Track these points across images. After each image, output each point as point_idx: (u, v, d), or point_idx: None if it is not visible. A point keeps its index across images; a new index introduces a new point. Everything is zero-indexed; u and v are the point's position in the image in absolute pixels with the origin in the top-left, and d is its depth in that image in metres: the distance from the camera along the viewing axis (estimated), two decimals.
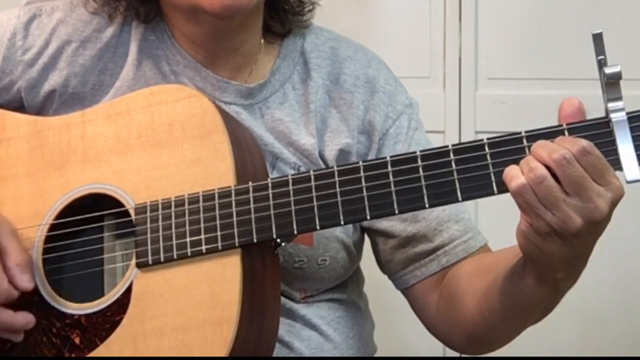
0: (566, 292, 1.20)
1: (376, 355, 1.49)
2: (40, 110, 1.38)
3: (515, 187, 1.05)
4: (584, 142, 1.05)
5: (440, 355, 2.10)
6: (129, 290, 1.20)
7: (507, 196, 1.12)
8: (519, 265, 1.18)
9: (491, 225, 2.01)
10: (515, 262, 1.19)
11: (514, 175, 1.06)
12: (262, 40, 1.41)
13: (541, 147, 1.06)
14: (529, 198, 1.05)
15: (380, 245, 1.41)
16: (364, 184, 1.14)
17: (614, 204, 1.06)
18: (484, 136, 1.12)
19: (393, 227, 1.38)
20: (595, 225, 1.06)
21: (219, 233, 1.17)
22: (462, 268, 1.35)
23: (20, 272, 1.21)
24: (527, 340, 2.12)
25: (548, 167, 1.04)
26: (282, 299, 1.29)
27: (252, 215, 1.17)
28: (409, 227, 1.37)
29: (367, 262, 1.46)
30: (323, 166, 1.36)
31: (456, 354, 2.10)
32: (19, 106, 1.39)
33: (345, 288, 1.43)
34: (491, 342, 1.34)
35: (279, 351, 1.28)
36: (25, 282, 1.21)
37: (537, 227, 1.07)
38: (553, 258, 1.10)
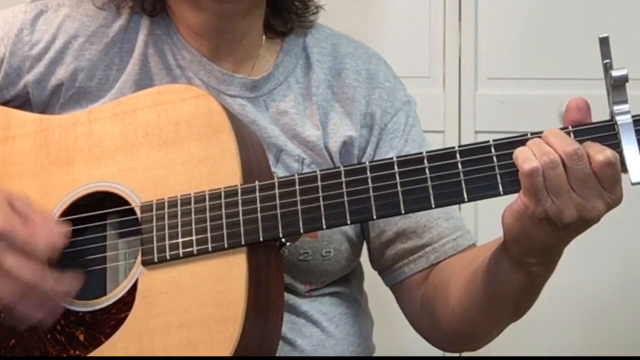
0: (541, 284, 1.22)
1: (376, 355, 1.50)
2: (47, 105, 1.39)
3: (529, 170, 1.07)
4: (610, 153, 1.07)
5: (440, 355, 2.10)
6: (134, 288, 1.21)
7: (507, 197, 1.13)
8: (497, 252, 1.20)
9: (491, 225, 2.02)
10: (494, 249, 1.21)
11: (527, 157, 1.08)
12: (264, 37, 1.43)
13: (555, 136, 1.08)
14: (538, 182, 1.07)
15: (372, 241, 1.42)
16: (370, 184, 1.15)
17: (609, 210, 1.09)
18: (484, 136, 1.13)
19: (384, 223, 1.39)
20: (587, 223, 1.09)
21: (225, 232, 1.18)
22: (448, 262, 1.38)
23: (51, 226, 1.19)
24: (528, 340, 2.15)
25: None
26: (286, 294, 1.30)
27: (259, 215, 1.18)
28: (399, 223, 1.39)
29: (369, 261, 1.47)
30: (328, 158, 1.38)
31: (456, 354, 2.11)
32: (24, 102, 1.40)
33: (349, 282, 1.44)
34: (471, 337, 1.35)
35: (281, 349, 1.29)
36: (60, 231, 1.19)
37: (534, 212, 1.09)
38: (536, 243, 1.13)
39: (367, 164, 1.16)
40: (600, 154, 1.07)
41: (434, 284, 1.37)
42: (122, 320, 1.20)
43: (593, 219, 1.08)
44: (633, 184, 1.07)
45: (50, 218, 1.23)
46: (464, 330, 1.33)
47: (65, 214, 1.27)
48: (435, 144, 1.44)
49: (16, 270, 1.16)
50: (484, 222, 2.14)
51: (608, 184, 1.07)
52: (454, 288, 1.31)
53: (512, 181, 1.11)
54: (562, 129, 1.10)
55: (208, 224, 1.19)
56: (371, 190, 1.15)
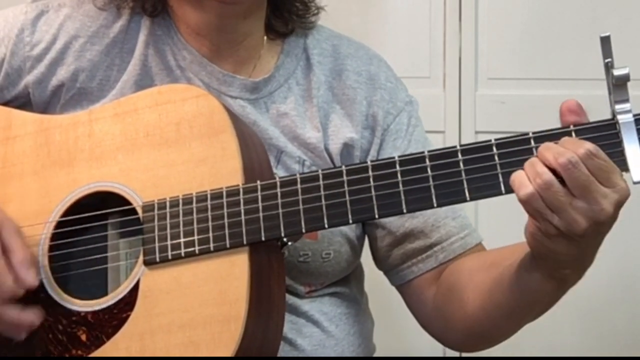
0: (570, 288, 1.21)
1: (376, 355, 1.50)
2: (47, 105, 1.39)
3: (524, 196, 1.07)
4: (589, 145, 1.06)
5: (440, 355, 2.10)
6: (135, 287, 1.21)
7: (507, 196, 1.13)
8: (527, 260, 1.19)
9: (491, 225, 2.02)
10: (522, 256, 1.20)
11: (521, 182, 1.07)
12: (265, 38, 1.43)
13: (547, 150, 1.07)
14: (537, 205, 1.07)
15: (378, 241, 1.42)
16: (372, 183, 1.15)
17: (619, 205, 1.07)
18: (484, 136, 1.13)
19: (391, 223, 1.39)
20: (601, 225, 1.08)
21: (227, 231, 1.18)
22: (461, 264, 1.37)
23: (25, 269, 1.20)
24: (528, 339, 2.14)
25: (554, 171, 1.06)
26: (286, 295, 1.29)
27: (260, 214, 1.18)
28: (406, 223, 1.39)
29: (368, 260, 1.47)
30: (328, 159, 1.38)
31: (456, 354, 2.11)
32: (25, 102, 1.40)
33: (348, 282, 1.44)
34: (489, 338, 1.35)
35: (281, 348, 1.28)
36: (30, 278, 1.20)
37: (546, 230, 1.08)
38: (561, 256, 1.12)
39: (369, 162, 1.16)
40: (580, 148, 1.06)
41: (447, 286, 1.36)
42: (123, 320, 1.20)
43: (604, 220, 1.07)
44: (635, 183, 1.07)
45: (31, 255, 1.23)
46: (483, 332, 1.33)
47: (66, 213, 1.27)
48: (435, 144, 1.43)
49: None
50: (484, 221, 2.14)
51: (602, 177, 1.05)
52: (472, 292, 1.30)
53: None
54: (564, 128, 1.10)
55: (209, 223, 1.19)
56: (373, 189, 1.15)
